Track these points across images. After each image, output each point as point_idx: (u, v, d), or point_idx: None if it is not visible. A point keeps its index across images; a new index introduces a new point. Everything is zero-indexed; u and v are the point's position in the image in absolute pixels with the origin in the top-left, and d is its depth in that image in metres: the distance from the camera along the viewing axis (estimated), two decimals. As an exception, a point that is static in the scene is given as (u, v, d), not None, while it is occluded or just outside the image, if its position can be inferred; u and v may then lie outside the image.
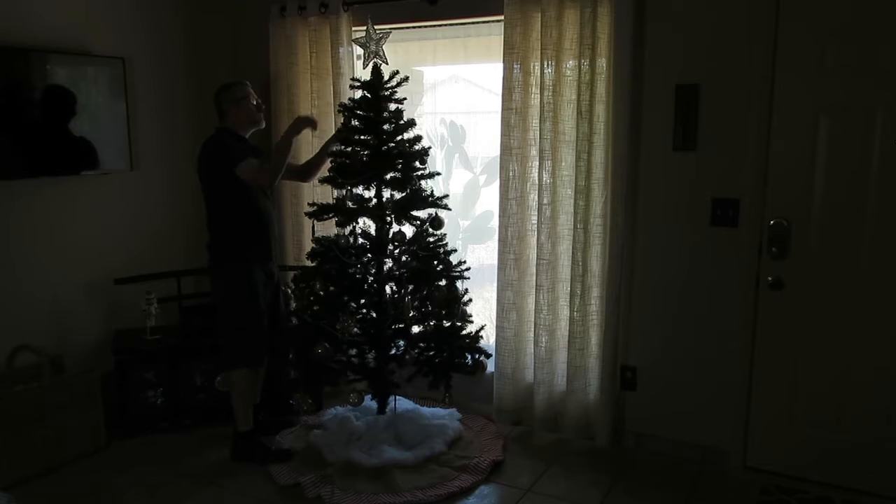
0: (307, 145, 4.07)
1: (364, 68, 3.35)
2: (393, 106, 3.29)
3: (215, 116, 3.36)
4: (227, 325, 3.32)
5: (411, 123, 3.28)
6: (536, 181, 3.43)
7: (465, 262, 3.43)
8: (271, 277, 3.39)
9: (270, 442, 3.47)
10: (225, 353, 3.36)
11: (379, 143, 3.25)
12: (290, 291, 3.50)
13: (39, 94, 3.44)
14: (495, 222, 3.67)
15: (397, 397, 3.54)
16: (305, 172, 3.61)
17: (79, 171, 3.64)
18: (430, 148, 3.39)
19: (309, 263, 3.42)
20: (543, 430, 3.60)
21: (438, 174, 3.44)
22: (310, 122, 3.41)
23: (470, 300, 3.40)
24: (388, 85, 3.26)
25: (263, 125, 3.43)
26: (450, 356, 3.33)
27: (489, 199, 4.28)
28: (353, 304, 3.36)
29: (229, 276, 3.27)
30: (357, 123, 3.27)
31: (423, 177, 3.31)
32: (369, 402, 3.50)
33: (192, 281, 4.00)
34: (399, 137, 3.27)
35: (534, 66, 3.39)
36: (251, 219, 3.27)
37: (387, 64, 3.29)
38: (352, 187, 3.26)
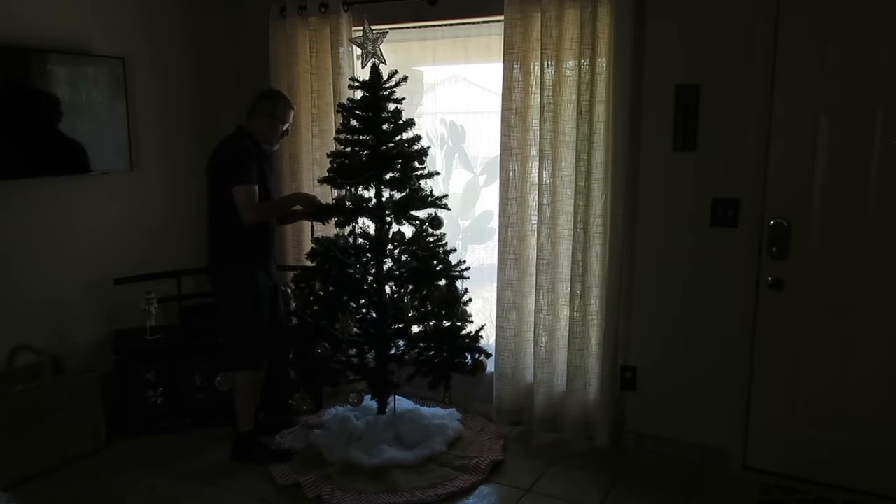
0: (307, 145, 4.07)
1: (363, 68, 3.35)
2: (392, 106, 3.29)
3: (234, 112, 3.37)
4: (229, 327, 3.31)
5: (410, 123, 3.28)
6: (536, 181, 3.43)
7: (464, 261, 3.43)
8: (271, 279, 3.39)
9: (270, 442, 3.47)
10: (227, 355, 3.35)
11: (378, 142, 3.25)
12: (289, 291, 3.50)
13: (40, 95, 3.44)
14: (495, 222, 3.67)
15: (397, 397, 3.54)
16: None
17: (79, 171, 3.64)
18: (429, 148, 3.39)
19: (309, 263, 3.42)
20: (543, 430, 3.60)
21: (438, 174, 3.44)
22: (309, 203, 3.39)
23: (470, 300, 3.40)
24: (387, 85, 3.26)
25: (275, 149, 3.46)
26: (450, 356, 3.33)
27: (489, 199, 4.28)
28: (352, 304, 3.36)
29: (231, 278, 3.26)
30: (356, 123, 3.27)
31: (422, 176, 3.31)
32: (369, 402, 3.50)
33: (192, 281, 4.00)
34: (398, 137, 3.27)
35: (534, 66, 3.39)
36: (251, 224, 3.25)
37: (384, 64, 3.29)
38: (351, 187, 3.25)
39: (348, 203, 3.24)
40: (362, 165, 3.22)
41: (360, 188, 3.28)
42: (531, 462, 3.35)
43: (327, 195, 3.63)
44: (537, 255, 3.47)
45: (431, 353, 3.35)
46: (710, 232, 3.18)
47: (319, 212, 3.33)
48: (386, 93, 3.27)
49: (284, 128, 3.36)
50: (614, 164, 3.23)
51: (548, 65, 3.31)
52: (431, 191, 3.36)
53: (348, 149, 3.28)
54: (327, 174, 3.32)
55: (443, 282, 3.32)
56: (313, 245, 3.37)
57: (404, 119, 3.28)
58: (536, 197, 3.45)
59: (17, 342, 3.40)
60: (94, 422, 3.46)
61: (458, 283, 3.36)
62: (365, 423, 3.44)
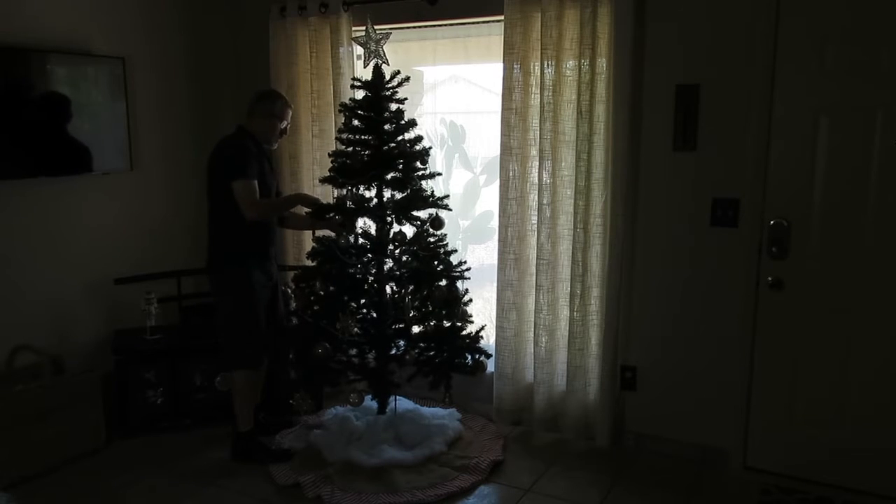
0: (307, 145, 4.07)
1: (364, 68, 3.35)
2: (394, 106, 3.29)
3: (234, 112, 3.35)
4: (226, 326, 3.31)
5: (412, 123, 3.29)
6: (536, 181, 3.43)
7: (465, 262, 3.42)
8: (270, 278, 3.39)
9: (270, 442, 3.47)
10: (225, 354, 3.36)
11: (380, 143, 3.25)
12: (290, 291, 3.50)
13: (40, 95, 3.44)
14: (495, 222, 3.67)
15: (397, 397, 3.54)
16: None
17: (79, 171, 3.64)
18: (430, 148, 3.39)
19: (309, 263, 3.42)
20: (543, 430, 3.60)
21: (439, 174, 3.44)
22: (311, 203, 3.37)
23: (470, 300, 3.40)
24: (389, 85, 3.27)
25: (273, 147, 3.44)
26: (450, 356, 3.33)
27: (489, 199, 4.28)
28: (353, 304, 3.36)
29: (229, 278, 3.27)
30: (358, 123, 3.27)
31: (423, 177, 3.31)
32: (369, 402, 3.50)
33: (192, 281, 4.00)
34: (400, 137, 3.27)
35: (534, 66, 3.39)
36: (252, 222, 3.25)
37: (387, 64, 3.29)
38: (352, 187, 3.25)
39: (349, 203, 3.24)
40: (364, 165, 3.22)
41: (361, 188, 3.28)
42: (531, 462, 3.35)
43: (328, 195, 3.63)
44: (537, 255, 3.47)
45: (432, 353, 3.35)
46: (710, 232, 3.18)
47: (321, 212, 3.33)
48: (388, 93, 3.27)
49: (282, 126, 3.36)
50: (614, 164, 3.23)
51: (548, 65, 3.31)
52: (432, 191, 3.36)
53: (350, 148, 3.28)
54: (329, 174, 3.32)
55: (443, 282, 3.32)
56: (314, 244, 3.37)
57: (406, 119, 3.28)
58: (536, 197, 3.45)
59: (17, 342, 3.40)
60: (94, 422, 3.45)
61: (459, 284, 3.36)
62: (365, 423, 3.44)
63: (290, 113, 3.42)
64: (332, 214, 3.28)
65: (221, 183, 3.17)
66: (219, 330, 3.36)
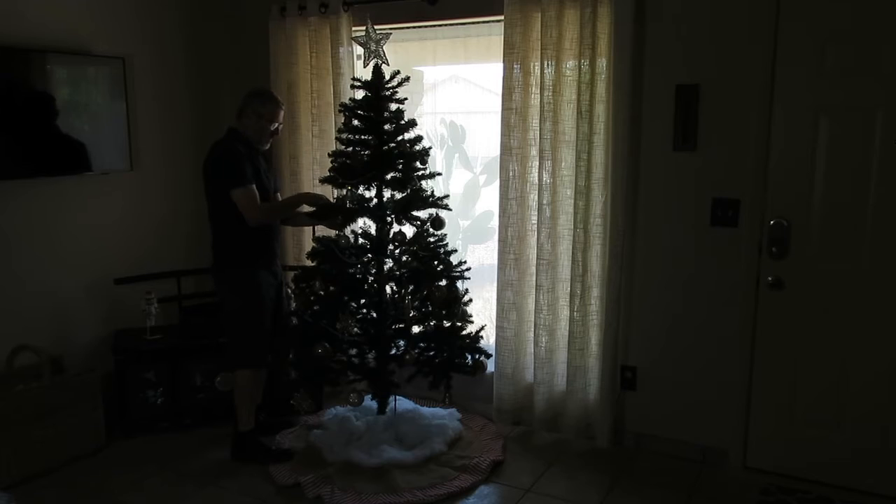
0: (307, 145, 4.07)
1: (364, 67, 3.35)
2: (394, 106, 3.29)
3: (234, 112, 3.31)
4: (232, 326, 3.32)
5: (412, 123, 3.28)
6: (536, 181, 3.43)
7: (465, 262, 3.42)
8: (276, 277, 3.39)
9: (270, 442, 3.47)
10: (230, 353, 3.36)
11: (379, 143, 3.25)
12: (290, 291, 3.50)
13: (40, 95, 3.44)
14: (495, 222, 3.67)
15: (397, 397, 3.54)
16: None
17: (79, 171, 3.64)
18: (430, 148, 3.39)
19: (309, 263, 3.42)
20: (543, 430, 3.60)
21: (439, 174, 3.44)
22: (313, 202, 3.38)
23: (470, 300, 3.40)
24: (389, 85, 3.26)
25: (265, 148, 3.40)
26: (450, 356, 3.33)
27: (489, 199, 4.27)
28: (353, 303, 3.36)
29: (234, 279, 3.27)
30: (358, 123, 3.27)
31: (423, 177, 3.31)
32: (369, 402, 3.50)
33: (192, 281, 4.00)
34: (400, 137, 3.27)
35: (534, 66, 3.39)
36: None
37: (387, 64, 3.29)
38: (352, 187, 3.25)
39: (349, 203, 3.24)
40: (364, 165, 3.22)
41: (361, 188, 3.28)
42: (531, 462, 3.35)
43: (328, 195, 3.62)
44: (537, 255, 3.47)
45: (432, 353, 3.35)
46: (710, 232, 3.18)
47: (323, 211, 3.32)
48: (388, 93, 3.26)
49: (273, 127, 3.32)
50: (614, 164, 3.23)
51: (548, 65, 3.31)
52: (432, 191, 3.36)
53: (350, 148, 3.28)
54: (329, 174, 3.32)
55: (443, 282, 3.32)
56: (314, 244, 3.37)
57: (406, 119, 3.28)
58: (536, 197, 3.45)
59: (17, 342, 3.40)
60: (94, 422, 3.45)
61: (459, 284, 3.36)
62: (365, 423, 3.45)
63: (282, 114, 3.38)
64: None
65: (219, 190, 3.18)
66: (224, 329, 3.36)
